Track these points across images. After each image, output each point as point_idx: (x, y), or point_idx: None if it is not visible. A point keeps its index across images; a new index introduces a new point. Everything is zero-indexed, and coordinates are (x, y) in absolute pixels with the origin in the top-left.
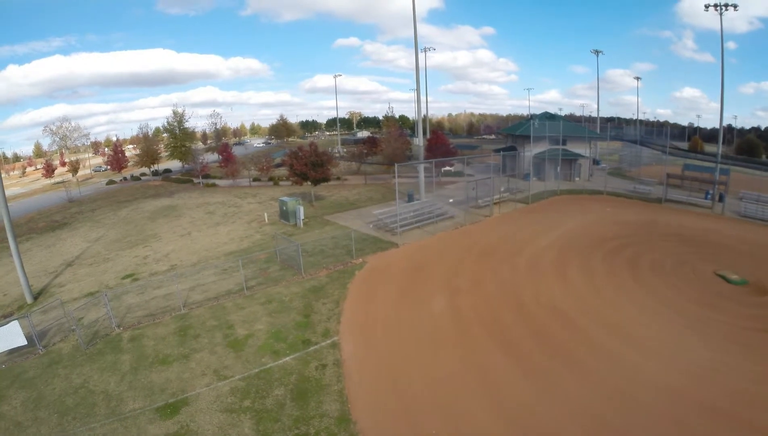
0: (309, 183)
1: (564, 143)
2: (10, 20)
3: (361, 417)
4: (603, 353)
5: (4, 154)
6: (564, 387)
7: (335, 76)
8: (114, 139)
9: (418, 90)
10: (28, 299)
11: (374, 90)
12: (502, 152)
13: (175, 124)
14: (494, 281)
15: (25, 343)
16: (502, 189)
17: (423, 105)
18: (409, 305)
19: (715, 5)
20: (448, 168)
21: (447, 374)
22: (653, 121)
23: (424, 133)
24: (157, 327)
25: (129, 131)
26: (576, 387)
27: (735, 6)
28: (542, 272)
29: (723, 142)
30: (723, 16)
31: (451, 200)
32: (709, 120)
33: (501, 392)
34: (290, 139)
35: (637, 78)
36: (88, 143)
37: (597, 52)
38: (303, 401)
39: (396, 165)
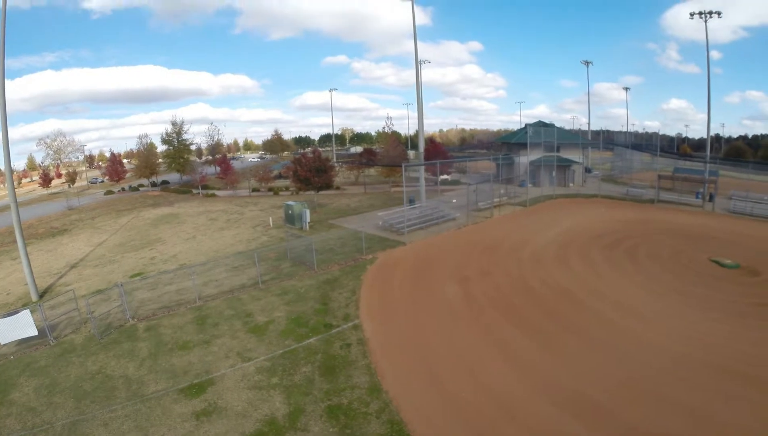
0: (311, 191)
1: (558, 150)
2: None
3: (392, 387)
4: (611, 326)
5: None
6: (579, 355)
7: (330, 91)
8: (108, 154)
9: (418, 90)
10: (33, 297)
11: (364, 107)
12: (501, 157)
13: (174, 135)
14: (501, 271)
15: (36, 333)
16: (501, 192)
17: (418, 114)
18: (423, 291)
19: (700, 13)
20: (445, 176)
21: (467, 345)
22: (642, 133)
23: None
24: (173, 318)
25: (122, 147)
26: (590, 355)
27: (719, 13)
28: (546, 262)
29: (711, 151)
30: (707, 24)
31: (454, 200)
32: (697, 130)
33: (520, 359)
34: (285, 153)
35: (626, 88)
36: (82, 158)
37: (587, 62)
38: (332, 375)
39: (403, 164)
